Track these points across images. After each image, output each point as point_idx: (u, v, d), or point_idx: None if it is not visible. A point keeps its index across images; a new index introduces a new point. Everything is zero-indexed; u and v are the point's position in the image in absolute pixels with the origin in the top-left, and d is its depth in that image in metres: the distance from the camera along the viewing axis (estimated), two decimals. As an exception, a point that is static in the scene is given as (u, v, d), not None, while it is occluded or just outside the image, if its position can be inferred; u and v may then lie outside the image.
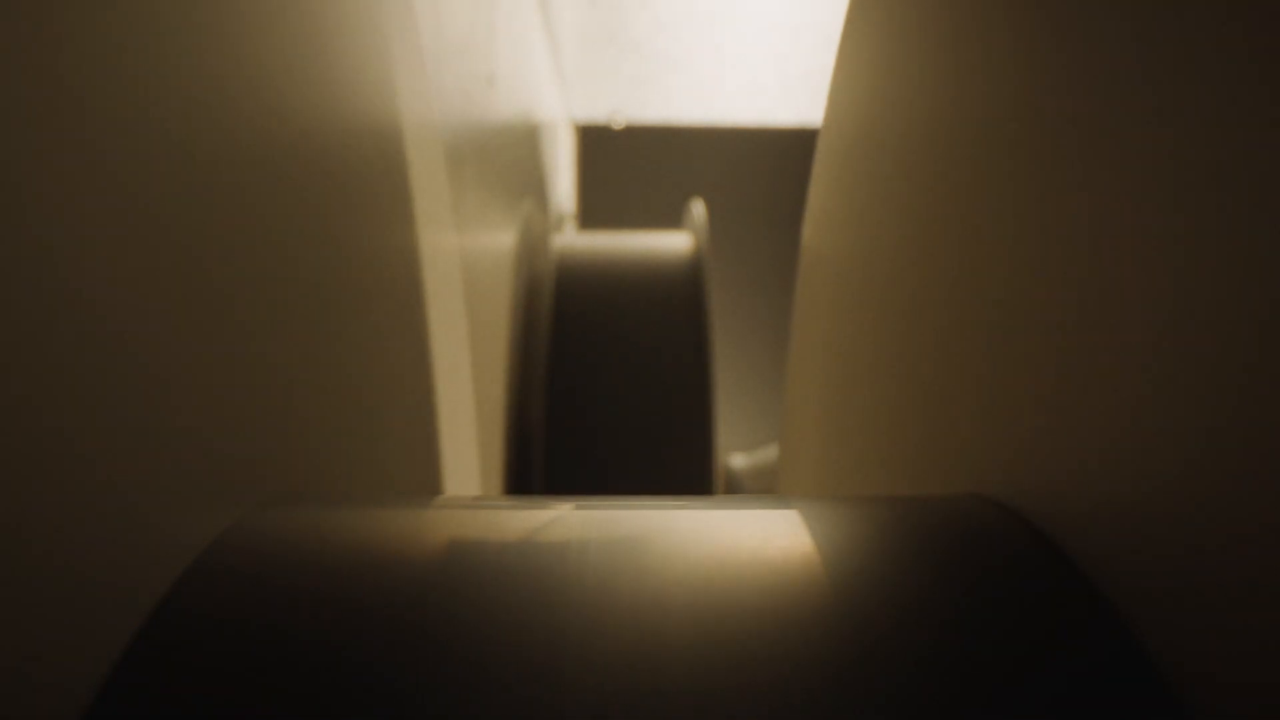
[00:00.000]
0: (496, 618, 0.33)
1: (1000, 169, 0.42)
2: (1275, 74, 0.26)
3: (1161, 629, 0.31)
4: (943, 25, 0.49)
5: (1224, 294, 0.28)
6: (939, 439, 0.48)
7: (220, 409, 0.40)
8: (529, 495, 0.49)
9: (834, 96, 0.74)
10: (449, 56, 1.06)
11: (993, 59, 0.43)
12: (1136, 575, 0.32)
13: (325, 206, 0.55)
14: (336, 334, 0.55)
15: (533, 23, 2.10)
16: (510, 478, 1.52)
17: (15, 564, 0.28)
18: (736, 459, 2.77)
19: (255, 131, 0.45)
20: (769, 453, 2.64)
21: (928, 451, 0.49)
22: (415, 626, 0.32)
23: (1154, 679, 0.31)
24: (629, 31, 2.63)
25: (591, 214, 3.45)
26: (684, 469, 1.62)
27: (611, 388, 1.63)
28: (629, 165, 3.51)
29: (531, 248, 1.71)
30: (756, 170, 3.47)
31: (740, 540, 0.37)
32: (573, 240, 1.88)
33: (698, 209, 1.88)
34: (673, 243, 1.84)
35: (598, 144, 3.52)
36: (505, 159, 1.56)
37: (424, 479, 0.77)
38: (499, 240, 1.44)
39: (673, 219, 2.50)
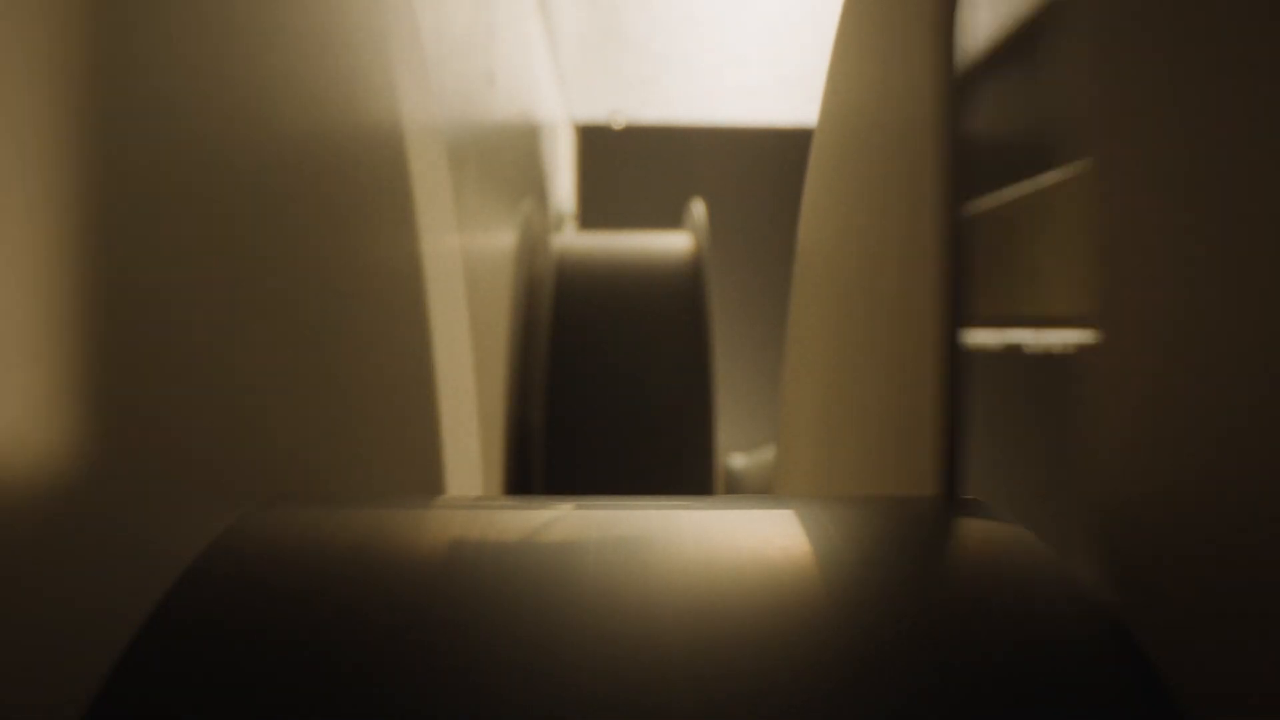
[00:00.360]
0: (496, 618, 0.33)
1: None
2: None
3: (1162, 633, 0.31)
4: (936, 22, 0.49)
5: (1235, 294, 0.28)
6: (936, 439, 0.48)
7: (220, 408, 0.40)
8: (529, 495, 0.49)
9: (828, 95, 0.74)
10: (449, 56, 1.06)
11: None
12: (1135, 579, 0.32)
13: (326, 207, 0.55)
14: (337, 333, 0.55)
15: (532, 23, 2.10)
16: (510, 478, 1.52)
17: (14, 565, 0.28)
18: (736, 459, 2.77)
19: (255, 131, 0.45)
20: (769, 453, 2.63)
21: (925, 453, 0.49)
22: (415, 627, 0.32)
23: (1155, 682, 0.31)
24: (629, 31, 2.63)
25: (591, 214, 3.45)
26: (684, 469, 1.62)
27: (612, 387, 1.62)
28: (629, 165, 3.51)
29: (531, 248, 1.71)
30: (756, 170, 3.47)
31: (740, 541, 0.37)
32: (573, 240, 1.88)
33: (698, 209, 1.88)
34: (673, 243, 1.84)
35: (598, 144, 3.52)
36: (505, 159, 1.56)
37: (425, 479, 0.77)
38: (499, 240, 1.44)
39: (673, 219, 2.49)
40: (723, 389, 2.05)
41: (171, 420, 0.36)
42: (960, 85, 0.47)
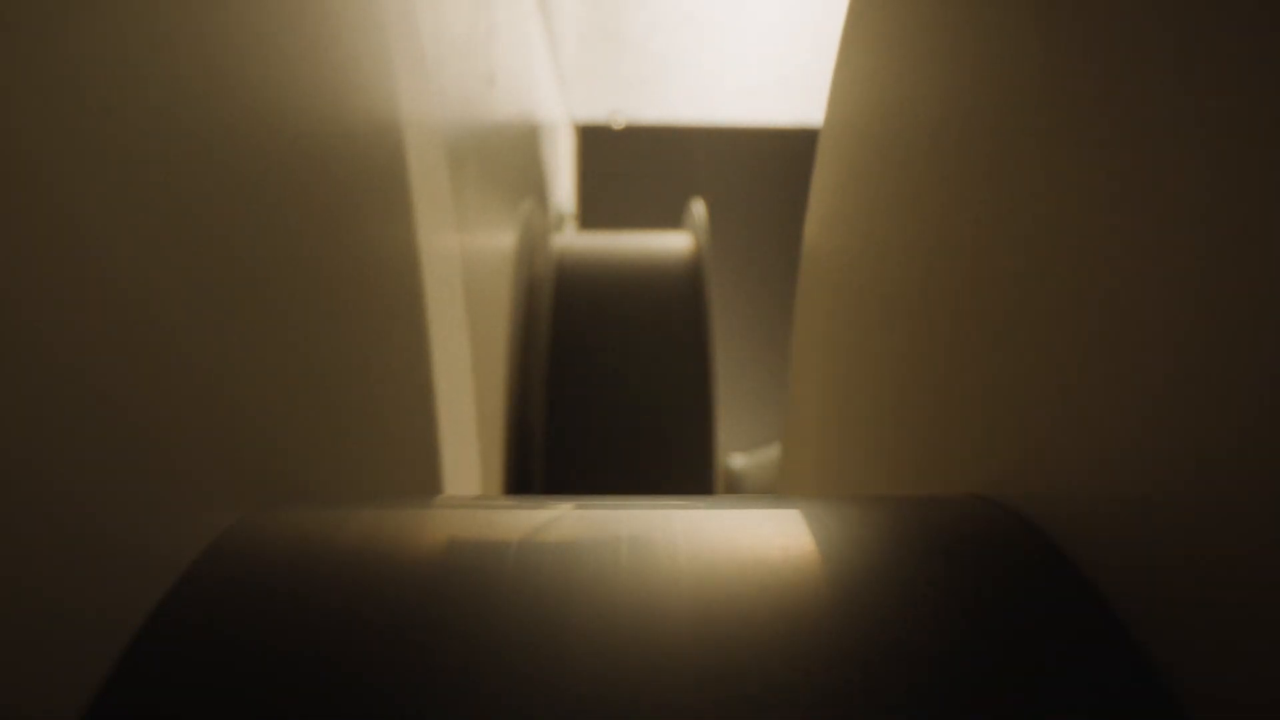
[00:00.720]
0: (496, 619, 0.32)
1: (1007, 167, 0.42)
2: None
3: (1165, 635, 0.31)
4: (947, 21, 0.49)
5: (1239, 297, 0.27)
6: (941, 439, 0.48)
7: (219, 410, 0.40)
8: (529, 495, 0.49)
9: (836, 94, 0.73)
10: (449, 56, 1.05)
11: (998, 56, 0.43)
12: (1140, 580, 0.32)
13: (325, 207, 0.55)
14: (336, 334, 0.55)
15: (532, 23, 2.10)
16: (510, 478, 1.52)
17: (13, 566, 0.27)
18: (736, 459, 2.77)
19: (253, 132, 0.45)
20: (769, 453, 2.64)
21: (930, 452, 0.49)
22: (414, 628, 0.32)
23: (1157, 685, 0.31)
24: (629, 31, 2.63)
25: (591, 214, 3.45)
26: (684, 469, 1.62)
27: (611, 388, 1.62)
28: (629, 165, 3.51)
29: (531, 248, 1.71)
30: (756, 170, 3.47)
31: (741, 540, 0.37)
32: (573, 240, 1.88)
33: (698, 209, 1.88)
34: (673, 243, 1.84)
35: (598, 144, 3.52)
36: (505, 159, 1.56)
37: (424, 479, 0.76)
38: (499, 240, 1.44)
39: (673, 219, 2.49)
40: (723, 389, 2.05)
41: (169, 422, 0.36)
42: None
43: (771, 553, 0.36)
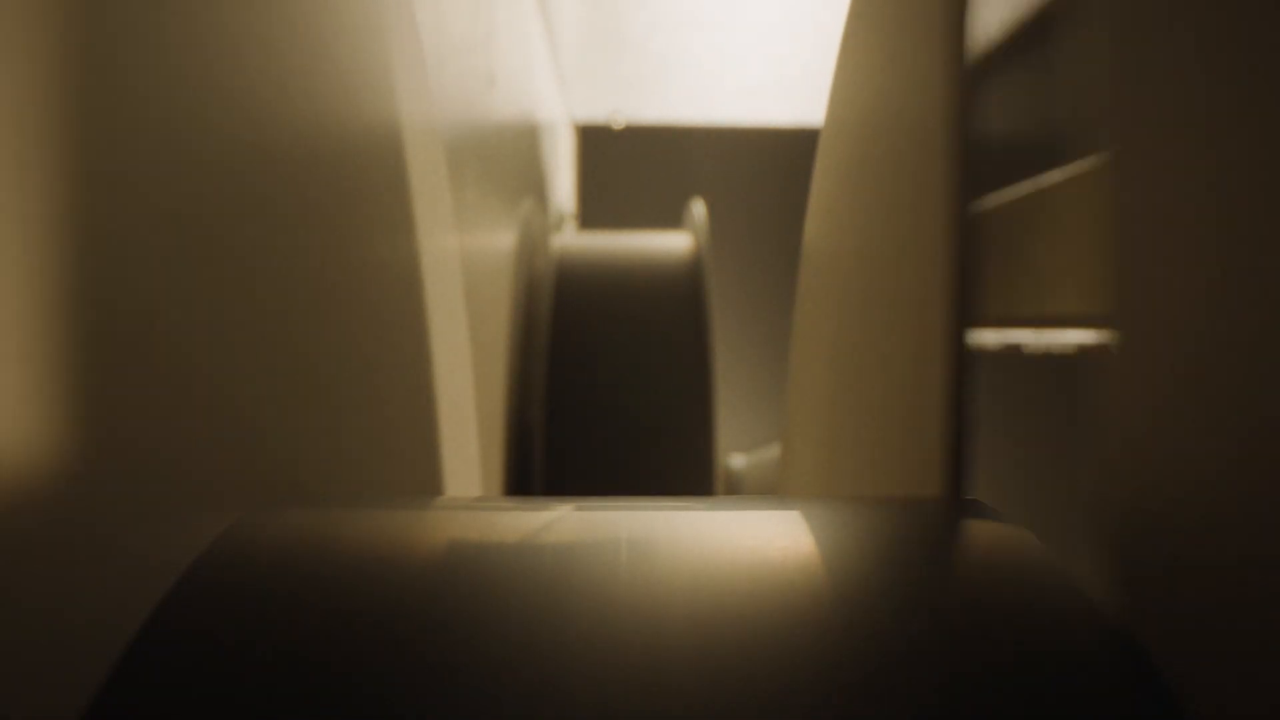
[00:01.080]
0: (496, 619, 0.32)
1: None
2: None
3: (1165, 635, 0.31)
4: (946, 22, 0.49)
5: (1251, 295, 0.27)
6: (940, 441, 0.48)
7: (219, 410, 0.40)
8: (529, 496, 0.49)
9: (836, 94, 0.73)
10: (449, 56, 1.05)
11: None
12: (1138, 583, 0.32)
13: (325, 207, 0.55)
14: (336, 334, 0.55)
15: (532, 23, 2.10)
16: (510, 478, 1.52)
17: (13, 567, 0.27)
18: (736, 459, 2.77)
19: (252, 133, 0.45)
20: (769, 453, 2.63)
21: (930, 454, 0.49)
22: (415, 628, 0.32)
23: (1157, 686, 0.31)
24: (629, 31, 2.63)
25: (591, 214, 3.45)
26: (684, 469, 1.62)
27: (612, 388, 1.62)
28: (629, 165, 3.51)
29: (531, 248, 1.71)
30: (756, 170, 3.47)
31: (741, 541, 0.37)
32: (573, 240, 1.88)
33: (698, 209, 1.88)
34: (673, 243, 1.84)
35: (598, 144, 3.52)
36: (505, 159, 1.56)
37: (424, 479, 0.76)
38: (499, 240, 1.44)
39: (673, 219, 2.49)
40: (723, 389, 2.05)
41: (168, 423, 0.36)
42: (970, 81, 0.46)
43: (771, 554, 0.36)
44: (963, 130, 0.46)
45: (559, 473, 1.57)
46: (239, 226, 0.43)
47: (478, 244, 1.21)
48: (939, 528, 0.38)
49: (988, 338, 0.50)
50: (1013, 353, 0.54)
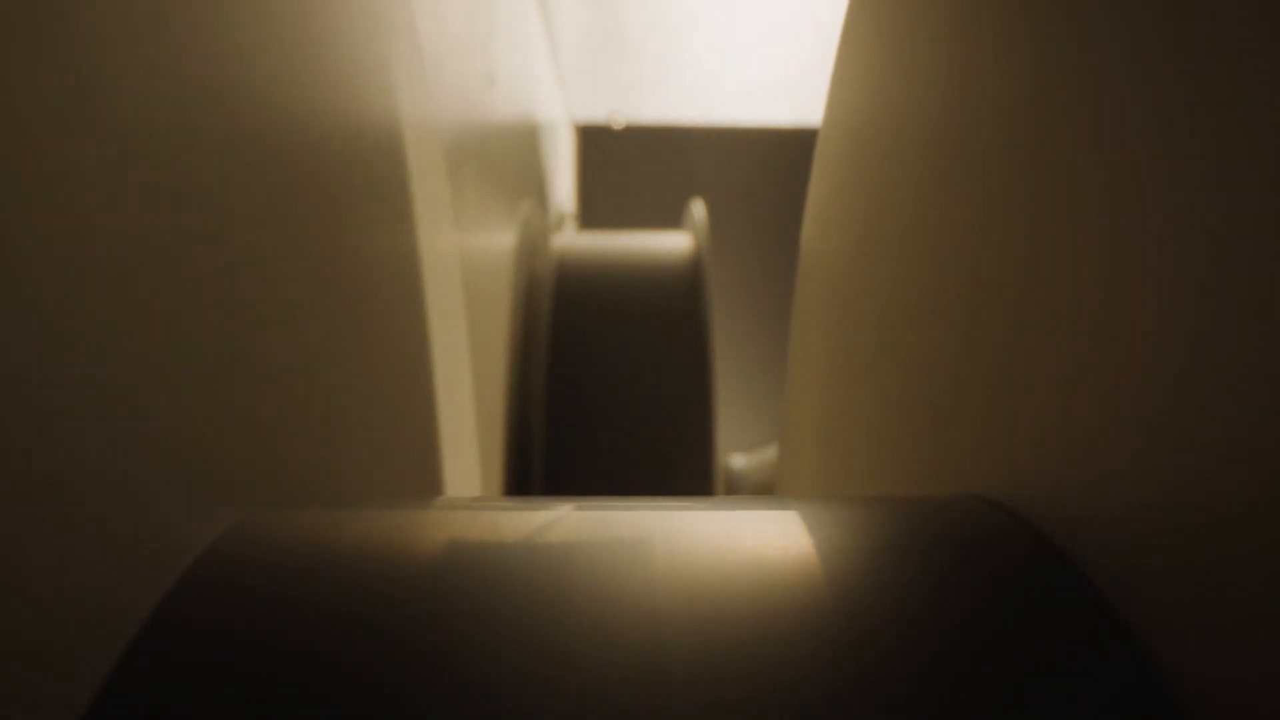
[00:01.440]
0: (496, 620, 0.32)
1: (1006, 168, 0.42)
2: None
3: (1165, 635, 0.31)
4: (945, 22, 0.49)
5: (1241, 300, 0.27)
6: (940, 440, 0.48)
7: (219, 410, 0.40)
8: (529, 496, 0.49)
9: (834, 95, 0.73)
10: (449, 56, 1.05)
11: (998, 56, 0.43)
12: (1140, 581, 0.32)
13: (325, 207, 0.55)
14: (336, 334, 0.55)
15: (532, 23, 2.10)
16: (510, 478, 1.52)
17: (12, 568, 0.27)
18: (736, 459, 2.77)
19: (252, 132, 0.45)
20: (769, 453, 2.63)
21: (929, 453, 0.49)
22: (415, 628, 0.32)
23: (1157, 685, 0.31)
24: (629, 32, 2.63)
25: (591, 214, 3.45)
26: (684, 469, 1.62)
27: (611, 388, 1.62)
28: (629, 165, 3.51)
29: (531, 248, 1.71)
30: (756, 170, 3.47)
31: (740, 541, 0.37)
32: (573, 240, 1.88)
33: (698, 209, 1.88)
34: (673, 243, 1.84)
35: (598, 144, 3.52)
36: (505, 159, 1.56)
37: (424, 479, 0.76)
38: (499, 240, 1.44)
39: (673, 219, 2.49)
40: (723, 389, 2.05)
41: (169, 422, 0.36)
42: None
43: (771, 554, 0.36)
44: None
45: (559, 473, 1.57)
46: (239, 226, 0.43)
47: (478, 244, 1.21)
48: (940, 525, 0.38)
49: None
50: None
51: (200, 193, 0.39)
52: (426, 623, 0.32)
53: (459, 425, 0.93)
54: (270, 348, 0.46)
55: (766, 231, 3.37)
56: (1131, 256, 0.32)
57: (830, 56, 0.75)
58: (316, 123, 0.54)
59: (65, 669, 0.30)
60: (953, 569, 0.35)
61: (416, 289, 0.76)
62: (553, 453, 1.58)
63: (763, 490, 2.55)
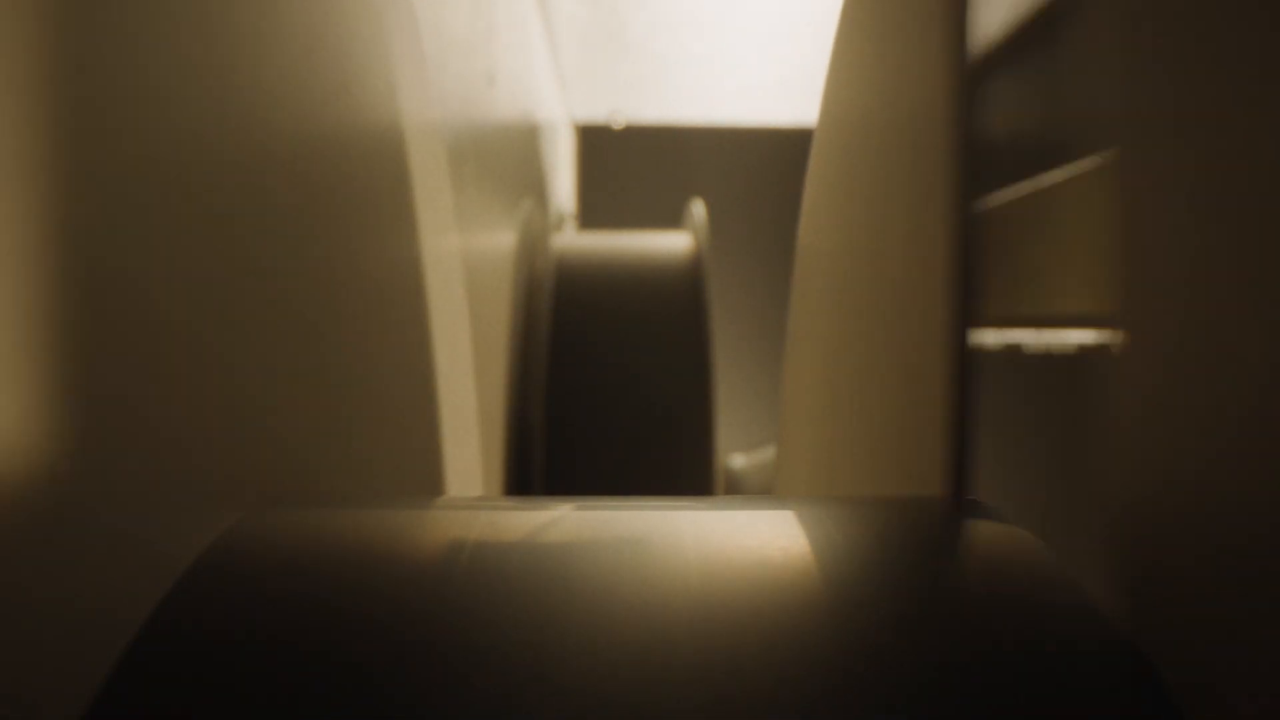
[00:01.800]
0: (496, 619, 0.33)
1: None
2: None
3: (1162, 635, 0.31)
4: (945, 15, 0.49)
5: (1242, 295, 0.27)
6: (940, 440, 0.48)
7: (220, 410, 0.40)
8: (529, 496, 0.49)
9: (829, 93, 0.73)
10: (449, 56, 1.05)
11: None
12: (1137, 579, 0.32)
13: (324, 207, 0.55)
14: (337, 333, 0.55)
15: (532, 23, 2.10)
16: (510, 478, 1.52)
17: (12, 568, 0.27)
18: (736, 459, 2.77)
19: (253, 131, 0.45)
20: (769, 453, 2.63)
21: (927, 453, 0.49)
22: (416, 627, 0.32)
23: (1156, 687, 0.31)
24: (629, 31, 2.63)
25: (591, 214, 3.45)
26: (684, 469, 1.62)
27: (612, 387, 1.62)
28: (629, 165, 3.51)
29: (531, 248, 1.71)
30: (756, 170, 3.47)
31: (740, 541, 0.37)
32: (572, 240, 1.88)
33: (698, 209, 1.88)
34: (673, 243, 1.84)
35: (598, 144, 3.52)
36: (505, 159, 1.56)
37: (425, 479, 0.76)
38: (499, 240, 1.44)
39: (673, 219, 2.49)
40: (723, 389, 2.05)
41: (170, 421, 0.36)
42: (970, 79, 0.46)
43: (770, 554, 0.36)
44: (963, 129, 0.46)
45: (559, 473, 1.57)
46: (239, 226, 0.43)
47: (478, 244, 1.21)
48: (938, 527, 0.38)
49: (988, 338, 0.50)
50: (1013, 353, 0.54)
51: (200, 193, 0.39)
52: (427, 622, 0.32)
53: (460, 424, 0.93)
54: (271, 346, 0.46)
55: (766, 231, 3.36)
56: (1124, 250, 0.32)
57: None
58: (317, 123, 0.54)
59: (67, 666, 0.30)
60: (950, 569, 0.35)
61: (418, 288, 0.76)
62: (553, 452, 1.58)
63: (763, 490, 2.55)
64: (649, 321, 1.67)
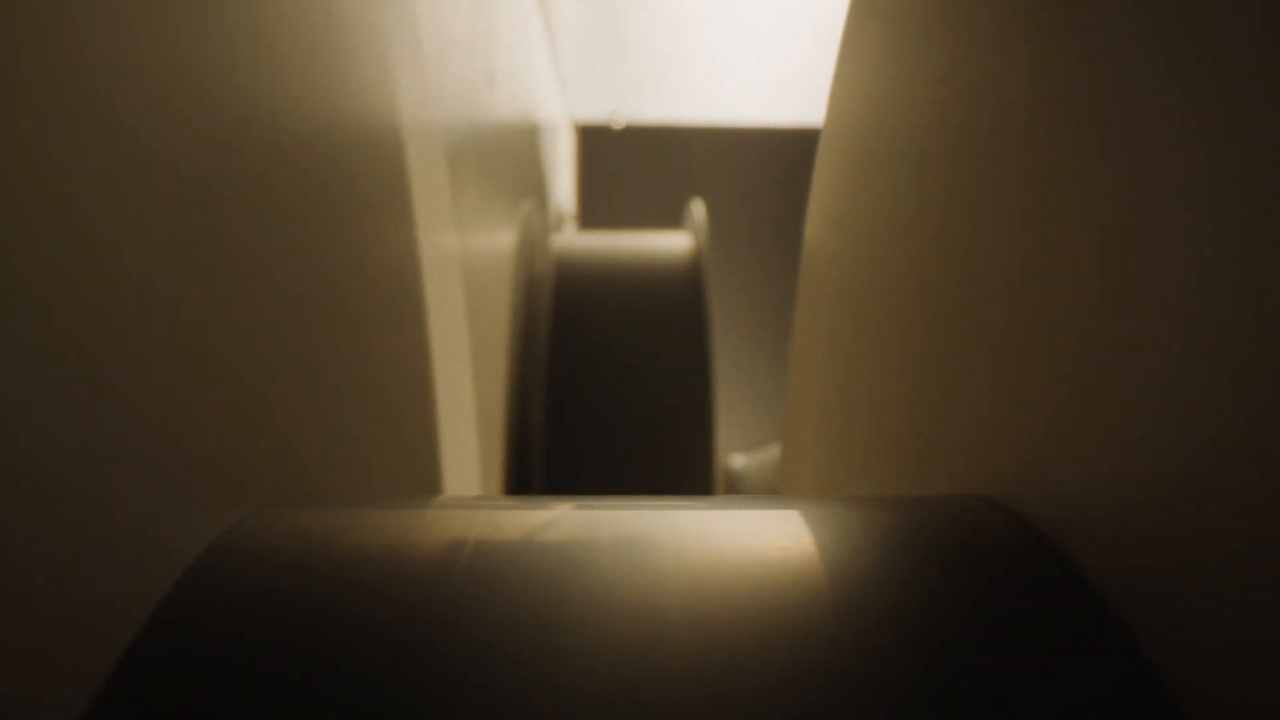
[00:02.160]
0: (497, 619, 0.33)
1: (1007, 167, 0.42)
2: None
3: (1164, 634, 0.31)
4: (948, 21, 0.49)
5: (1239, 297, 0.27)
6: (942, 440, 0.48)
7: (220, 410, 0.40)
8: (529, 495, 0.49)
9: (837, 94, 0.73)
10: (449, 56, 1.06)
11: (1000, 55, 0.43)
12: (1139, 581, 0.32)
13: (326, 206, 0.55)
14: (337, 332, 0.55)
15: (532, 23, 2.10)
16: (510, 478, 1.52)
17: (13, 567, 0.27)
18: (736, 459, 2.77)
19: (253, 131, 0.45)
20: (769, 453, 2.64)
21: (930, 452, 0.49)
22: (415, 626, 0.32)
23: (1155, 687, 0.31)
24: (629, 31, 2.63)
25: (591, 214, 3.45)
26: (684, 469, 1.62)
27: (612, 387, 1.62)
28: (629, 165, 3.51)
29: (531, 248, 1.71)
30: (756, 170, 3.47)
31: (741, 541, 0.37)
32: (572, 240, 1.88)
33: (698, 209, 1.88)
34: (672, 243, 1.84)
35: (598, 144, 3.52)
36: (505, 159, 1.56)
37: (424, 478, 0.77)
38: (499, 240, 1.44)
39: (673, 219, 2.49)
40: (723, 389, 2.05)
41: (171, 420, 0.36)
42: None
43: (771, 553, 0.36)
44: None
45: (559, 472, 1.57)
46: (240, 225, 0.43)
47: (478, 244, 1.21)
48: (942, 524, 0.38)
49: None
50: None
51: (201, 191, 0.39)
52: (427, 621, 0.32)
53: (459, 424, 0.93)
54: (271, 345, 0.46)
55: (766, 231, 3.37)
56: (1130, 256, 0.32)
57: (830, 56, 0.75)
58: (317, 123, 0.54)
59: (68, 664, 0.30)
60: (953, 569, 0.35)
61: (417, 288, 0.76)
62: (553, 452, 1.58)
63: (763, 490, 2.55)
64: (649, 321, 1.67)
